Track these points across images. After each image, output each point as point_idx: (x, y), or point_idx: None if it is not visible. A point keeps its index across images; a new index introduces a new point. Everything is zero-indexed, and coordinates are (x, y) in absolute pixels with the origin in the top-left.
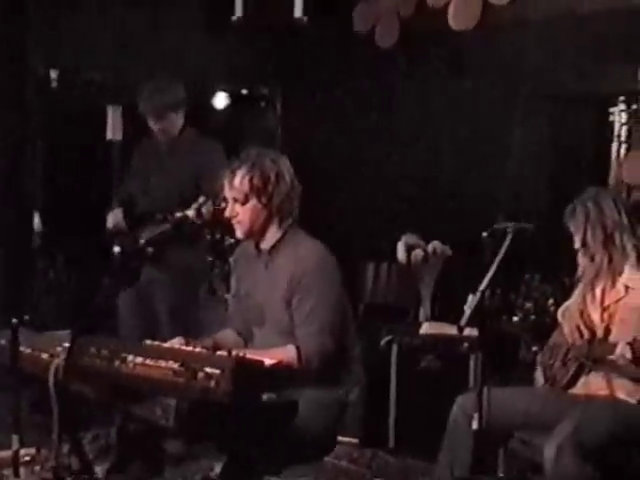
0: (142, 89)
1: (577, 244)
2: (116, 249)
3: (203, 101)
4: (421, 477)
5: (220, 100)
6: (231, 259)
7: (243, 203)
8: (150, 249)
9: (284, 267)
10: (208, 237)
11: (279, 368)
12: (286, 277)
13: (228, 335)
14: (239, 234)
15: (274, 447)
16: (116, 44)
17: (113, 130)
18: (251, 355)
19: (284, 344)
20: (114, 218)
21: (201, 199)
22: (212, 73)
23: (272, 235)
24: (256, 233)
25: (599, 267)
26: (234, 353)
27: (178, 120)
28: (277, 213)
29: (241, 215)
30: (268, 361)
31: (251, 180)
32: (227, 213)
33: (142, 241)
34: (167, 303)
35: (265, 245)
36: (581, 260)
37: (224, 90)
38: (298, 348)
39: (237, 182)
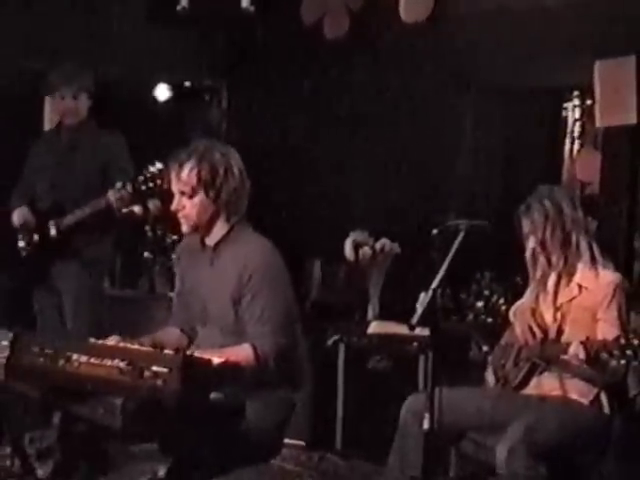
0: (58, 69)
1: (532, 243)
2: (21, 245)
3: (144, 93)
4: (370, 478)
5: (162, 92)
6: (174, 255)
7: (190, 197)
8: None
9: (231, 264)
10: (150, 234)
11: (227, 367)
12: (234, 275)
13: (170, 333)
14: (185, 228)
15: (220, 449)
16: (55, 33)
17: (51, 121)
18: (205, 354)
19: (228, 343)
20: (21, 214)
21: (117, 186)
22: (154, 64)
23: (218, 230)
24: (202, 228)
25: (555, 266)
26: (182, 351)
27: (85, 105)
28: (225, 208)
29: (188, 209)
30: (216, 360)
31: (199, 173)
32: (173, 206)
33: (53, 232)
34: (73, 296)
35: (210, 241)
36: (531, 259)
37: (166, 82)
38: (254, 347)
39: (184, 175)
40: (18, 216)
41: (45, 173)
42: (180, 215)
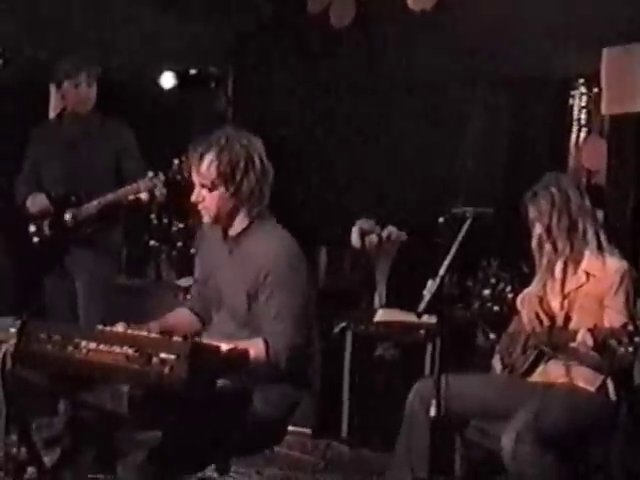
0: (71, 56)
1: (539, 230)
2: (34, 232)
3: (149, 80)
4: (376, 466)
5: (167, 80)
6: (196, 240)
7: (210, 190)
8: (89, 229)
9: (250, 258)
10: (155, 222)
11: (235, 355)
12: (252, 270)
13: (181, 314)
14: (206, 219)
15: (224, 435)
16: (61, 21)
17: (55, 109)
18: (222, 345)
19: (239, 332)
20: (38, 201)
21: (149, 175)
22: (159, 51)
23: (240, 222)
24: (223, 219)
25: (561, 254)
26: (190, 338)
27: (95, 93)
28: (246, 201)
29: (208, 201)
30: (224, 347)
31: (218, 167)
32: (193, 198)
33: (70, 220)
34: (88, 284)
35: (232, 231)
36: (538, 247)
37: (172, 69)
38: (266, 342)
39: (204, 168)
40: (35, 203)
41: (55, 161)
42: (200, 207)
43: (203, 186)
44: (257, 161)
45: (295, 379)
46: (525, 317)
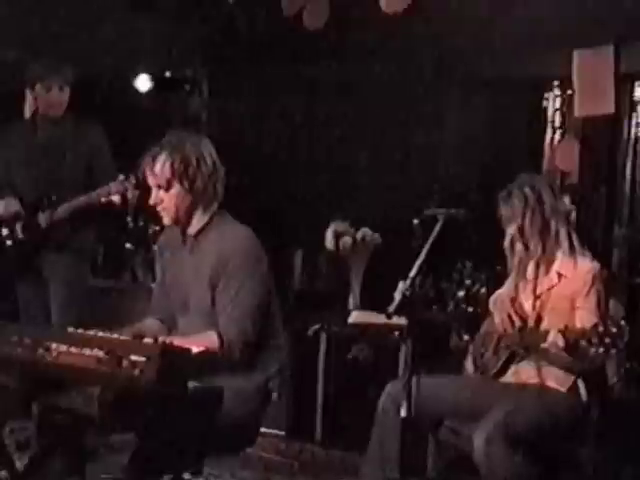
0: (43, 59)
1: (511, 230)
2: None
3: (125, 83)
4: (350, 468)
5: (143, 82)
6: (155, 246)
7: (166, 189)
8: (62, 232)
9: (209, 251)
10: (131, 224)
11: (205, 356)
12: (211, 261)
13: (150, 324)
14: (166, 221)
15: (197, 437)
16: (33, 22)
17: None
18: (174, 341)
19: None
20: (9, 205)
21: (120, 178)
22: (134, 54)
23: (198, 220)
24: (182, 219)
25: (533, 254)
26: (160, 340)
27: (67, 97)
28: (201, 197)
29: (166, 202)
30: (195, 349)
31: (172, 165)
32: (151, 201)
33: (44, 223)
34: (62, 287)
35: (191, 230)
36: (510, 246)
37: (147, 72)
38: (219, 334)
39: (158, 168)
40: (6, 207)
41: (27, 164)
42: (159, 208)
43: (159, 187)
44: (208, 158)
45: (257, 365)
46: (497, 318)
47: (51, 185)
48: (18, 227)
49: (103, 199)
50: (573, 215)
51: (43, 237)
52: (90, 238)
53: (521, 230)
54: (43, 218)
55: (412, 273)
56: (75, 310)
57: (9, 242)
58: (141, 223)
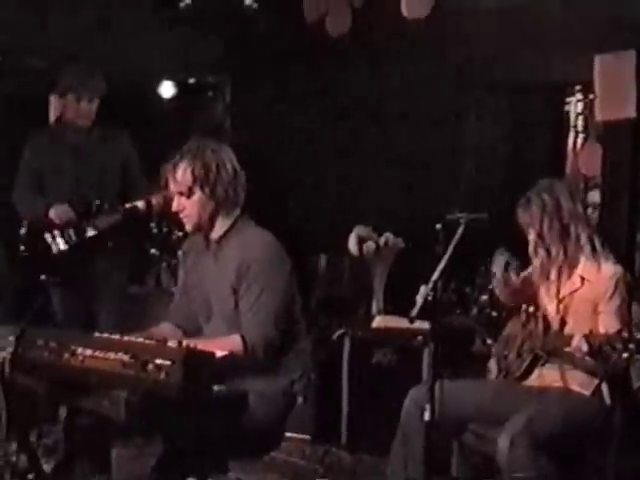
0: (73, 70)
1: (532, 236)
2: (60, 243)
3: (149, 90)
4: (375, 472)
5: (167, 89)
6: (180, 252)
7: (188, 196)
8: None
9: (232, 256)
10: (155, 230)
11: (229, 359)
12: (234, 266)
13: (164, 328)
14: (188, 227)
15: (222, 441)
16: (59, 31)
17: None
18: (199, 345)
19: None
20: (62, 212)
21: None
22: (158, 61)
23: (220, 225)
24: (205, 225)
25: (555, 259)
26: (185, 344)
27: (96, 107)
28: (223, 202)
29: (188, 209)
30: (219, 352)
31: (193, 172)
32: (174, 208)
33: (91, 233)
34: (107, 295)
35: (214, 235)
36: (534, 252)
37: (171, 79)
38: (243, 337)
39: (179, 175)
40: (59, 213)
41: (62, 171)
42: (182, 215)
43: (181, 194)
44: (228, 164)
45: (280, 368)
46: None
47: (88, 192)
48: (71, 233)
49: (128, 205)
50: (594, 219)
51: (91, 243)
52: (126, 246)
53: (541, 236)
54: (91, 226)
55: (434, 277)
56: (118, 317)
57: (62, 247)
58: (165, 229)
